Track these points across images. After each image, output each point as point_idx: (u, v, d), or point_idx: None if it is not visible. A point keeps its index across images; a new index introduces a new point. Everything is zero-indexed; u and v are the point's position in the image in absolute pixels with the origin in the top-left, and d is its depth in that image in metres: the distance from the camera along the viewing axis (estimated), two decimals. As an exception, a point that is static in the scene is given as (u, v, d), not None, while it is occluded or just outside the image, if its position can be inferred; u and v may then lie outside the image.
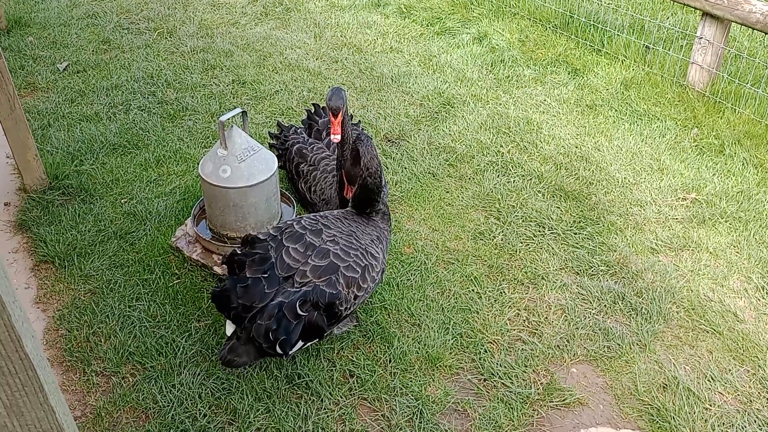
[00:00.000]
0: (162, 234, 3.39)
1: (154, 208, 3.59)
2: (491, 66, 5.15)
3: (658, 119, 4.33)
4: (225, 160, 2.99)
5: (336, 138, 3.01)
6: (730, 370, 2.71)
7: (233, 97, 4.77)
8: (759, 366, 2.73)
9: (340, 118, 2.97)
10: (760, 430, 2.48)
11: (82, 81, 4.95)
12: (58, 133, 4.23)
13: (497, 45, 5.43)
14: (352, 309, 2.52)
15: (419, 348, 2.81)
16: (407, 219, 3.58)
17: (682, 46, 4.85)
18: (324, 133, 3.67)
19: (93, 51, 5.45)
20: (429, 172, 3.96)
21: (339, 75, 5.09)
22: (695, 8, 4.17)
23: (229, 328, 2.47)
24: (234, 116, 2.92)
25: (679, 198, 3.69)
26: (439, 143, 4.21)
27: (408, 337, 2.86)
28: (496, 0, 6.08)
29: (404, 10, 6.25)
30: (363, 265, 2.51)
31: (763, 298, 3.06)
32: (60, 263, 3.22)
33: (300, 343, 2.40)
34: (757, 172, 3.81)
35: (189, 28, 5.93)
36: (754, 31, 4.16)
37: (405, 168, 3.96)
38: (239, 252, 2.48)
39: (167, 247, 3.29)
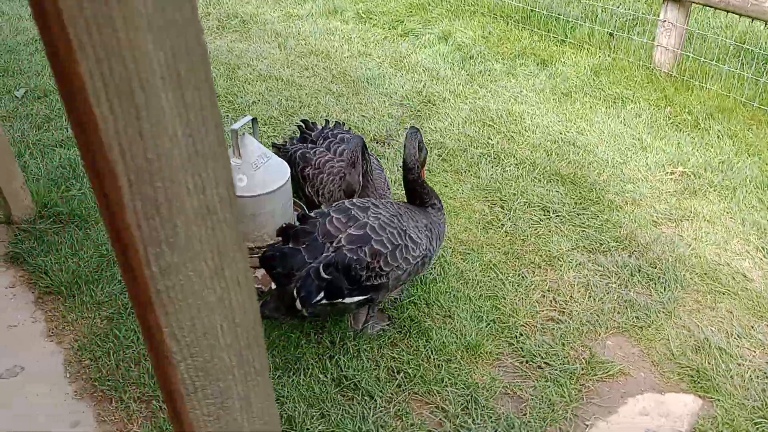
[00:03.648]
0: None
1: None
2: (462, 63, 5.25)
3: (632, 101, 4.53)
4: (239, 168, 2.93)
5: None
6: (752, 327, 2.86)
7: (210, 111, 4.66)
8: (775, 320, 2.89)
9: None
10: (791, 378, 2.63)
11: (46, 106, 4.73)
12: (33, 160, 4.02)
13: (463, 42, 5.54)
14: (378, 283, 2.56)
15: (457, 338, 2.82)
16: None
17: (644, 30, 5.09)
18: (320, 141, 3.65)
19: (50, 75, 5.21)
20: (425, 169, 3.98)
21: (313, 82, 5.06)
22: (658, -7, 4.39)
23: (273, 286, 2.66)
24: (245, 124, 2.86)
25: (667, 173, 3.86)
26: (428, 140, 4.26)
27: (443, 329, 2.87)
28: (453, 0, 6.20)
29: (363, 15, 6.28)
30: (396, 243, 2.57)
31: (765, 257, 3.24)
32: (68, 293, 3.06)
33: (323, 300, 2.50)
34: (732, 143, 4.04)
35: (146, 46, 5.76)
36: (716, 10, 4.40)
37: (400, 167, 3.98)
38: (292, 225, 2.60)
39: (179, 265, 3.18)
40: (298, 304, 2.48)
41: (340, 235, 2.52)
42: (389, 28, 5.99)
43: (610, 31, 5.16)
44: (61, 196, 3.64)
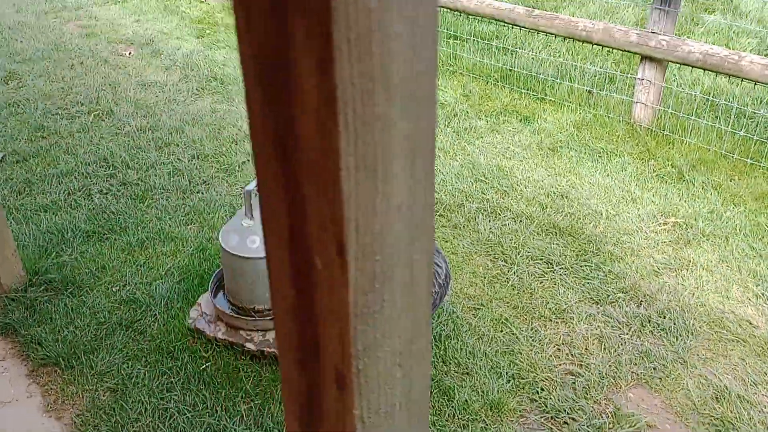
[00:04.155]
0: (173, 318, 3.16)
1: (155, 292, 3.35)
2: (447, 120, 5.36)
3: (616, 155, 4.67)
4: (252, 230, 2.87)
5: None
6: (766, 374, 2.89)
7: (199, 172, 4.61)
8: (787, 365, 2.94)
9: None
10: (813, 423, 2.65)
11: (26, 171, 4.59)
12: (17, 226, 3.87)
13: (445, 101, 5.67)
14: None
15: (479, 396, 2.77)
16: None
17: (620, 86, 5.31)
18: None
19: (27, 139, 5.09)
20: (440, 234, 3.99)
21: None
22: (635, 53, 4.60)
23: None
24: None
25: (660, 223, 3.96)
26: (424, 196, 4.28)
27: (464, 387, 2.81)
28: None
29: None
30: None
31: (766, 303, 3.31)
32: (65, 364, 2.90)
33: None
34: (717, 193, 4.18)
35: (125, 108, 5.72)
36: (693, 68, 4.64)
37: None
38: None
39: (185, 330, 3.06)
40: None
41: None
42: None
43: (588, 88, 5.36)
44: (52, 263, 3.49)
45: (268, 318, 2.96)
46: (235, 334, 2.99)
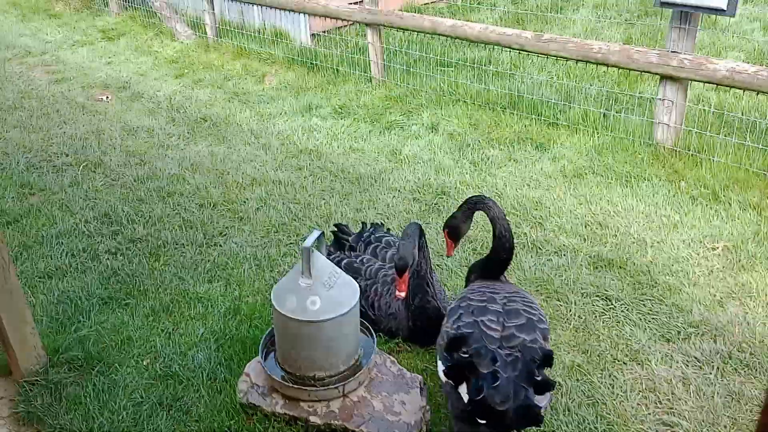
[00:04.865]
0: (219, 392, 2.83)
1: (192, 363, 3.02)
2: (460, 152, 5.18)
3: (644, 178, 4.55)
4: (311, 290, 2.59)
5: (401, 295, 2.77)
6: None
7: (212, 223, 4.30)
8: None
9: (406, 276, 2.74)
10: None
11: (20, 233, 4.20)
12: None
13: (454, 131, 5.50)
14: None
15: (575, 458, 2.53)
16: (472, 318, 3.33)
17: (628, 107, 5.23)
18: (361, 246, 3.37)
19: (15, 198, 4.70)
20: (465, 265, 3.76)
21: (313, 182, 4.81)
22: (656, 74, 4.52)
23: None
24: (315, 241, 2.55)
25: (708, 248, 3.82)
26: (457, 234, 4.05)
27: (557, 449, 2.57)
28: (431, 91, 6.22)
29: (339, 110, 6.17)
30: (540, 314, 2.39)
31: (841, 328, 3.18)
32: (107, 458, 2.54)
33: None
34: (758, 213, 4.08)
35: (116, 157, 5.37)
36: (717, 87, 4.57)
37: (438, 266, 3.74)
38: (460, 358, 2.19)
39: (235, 406, 2.74)
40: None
41: (506, 333, 2.24)
42: (371, 122, 5.89)
43: (603, 111, 5.26)
44: (72, 338, 3.12)
45: (332, 387, 2.67)
46: (296, 407, 2.68)
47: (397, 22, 6.04)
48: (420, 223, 2.96)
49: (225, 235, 4.16)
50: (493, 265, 2.65)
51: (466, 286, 2.80)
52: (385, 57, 6.63)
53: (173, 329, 3.28)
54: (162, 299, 3.50)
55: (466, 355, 2.15)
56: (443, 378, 2.28)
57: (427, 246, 2.97)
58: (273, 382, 2.74)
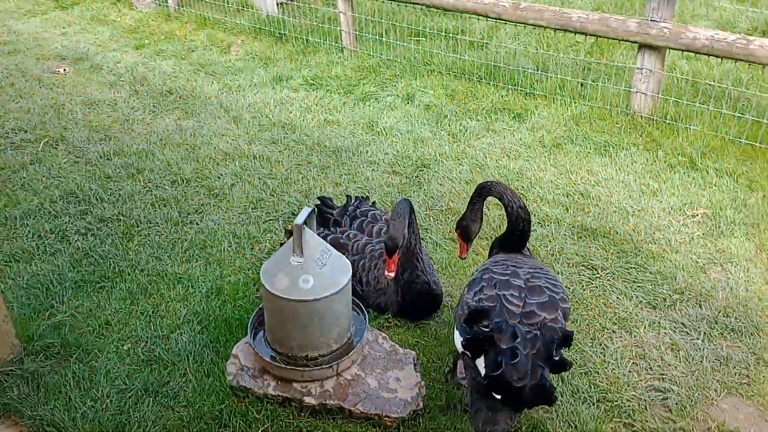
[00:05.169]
0: (208, 375, 2.75)
1: (176, 346, 2.92)
2: (437, 123, 5.10)
3: (622, 147, 4.56)
4: (303, 268, 2.51)
5: (390, 275, 2.73)
6: None
7: (185, 200, 4.15)
8: None
9: (396, 256, 2.70)
10: None
11: (-21, 212, 3.98)
12: (-12, 282, 3.31)
13: (430, 103, 5.41)
14: None
15: (574, 429, 2.53)
16: (456, 288, 3.30)
17: (615, 77, 5.21)
18: (346, 221, 3.28)
19: (-28, 175, 4.45)
20: (449, 238, 3.72)
21: (288, 156, 4.68)
22: (635, 42, 4.49)
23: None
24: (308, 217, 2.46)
25: (687, 215, 3.86)
26: (440, 207, 4.01)
27: (554, 419, 2.57)
28: (405, 61, 6.10)
29: (311, 82, 6.00)
30: (563, 293, 2.34)
31: (819, 291, 3.25)
32: (94, 448, 2.44)
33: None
34: (734, 180, 4.13)
35: (79, 133, 5.12)
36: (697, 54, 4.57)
37: (422, 239, 3.68)
38: (480, 332, 2.14)
39: (225, 389, 2.66)
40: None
41: (527, 309, 2.19)
42: (345, 93, 5.75)
43: (580, 81, 5.24)
44: (46, 324, 2.98)
45: (326, 366, 2.60)
46: (289, 388, 2.61)
47: (370, -10, 5.87)
48: (409, 199, 2.88)
49: (201, 212, 4.02)
50: (512, 239, 2.62)
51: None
52: (356, 26, 6.46)
53: (153, 312, 3.16)
54: (139, 281, 3.37)
55: (488, 329, 2.12)
56: (460, 348, 2.26)
57: (416, 221, 2.91)
58: (264, 363, 2.66)
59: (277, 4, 7.79)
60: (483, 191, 2.69)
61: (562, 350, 2.10)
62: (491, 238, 3.69)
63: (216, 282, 3.35)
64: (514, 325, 2.11)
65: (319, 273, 2.51)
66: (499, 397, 2.06)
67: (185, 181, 4.36)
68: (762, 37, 4.03)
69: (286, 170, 4.49)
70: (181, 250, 3.62)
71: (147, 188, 4.30)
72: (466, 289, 2.40)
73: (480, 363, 2.11)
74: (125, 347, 2.94)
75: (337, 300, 2.55)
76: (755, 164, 4.25)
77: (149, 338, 2.97)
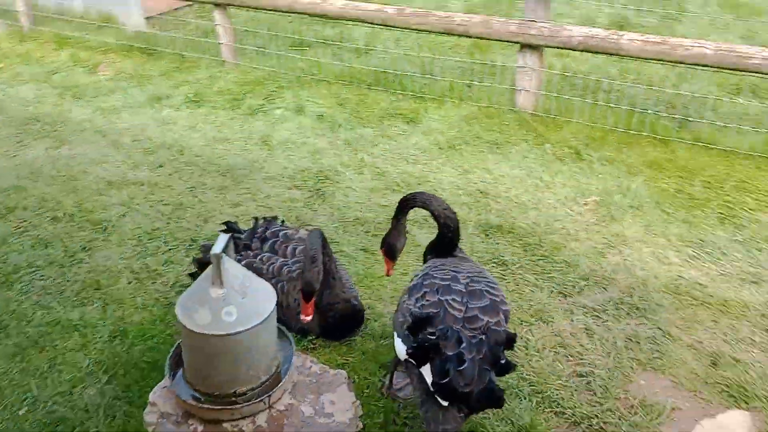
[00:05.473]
0: (124, 430, 2.51)
1: (82, 403, 2.65)
2: (332, 133, 5.04)
3: (513, 144, 4.74)
4: (225, 300, 2.35)
5: (307, 319, 2.71)
6: (737, 329, 3.06)
7: (69, 236, 3.80)
8: (749, 319, 3.14)
9: (313, 300, 2.69)
10: None
11: None
12: None
13: (322, 113, 5.34)
14: None
15: (510, 425, 2.58)
16: (376, 300, 3.27)
17: (497, 76, 5.40)
18: (256, 244, 3.14)
19: None
20: (361, 249, 3.68)
21: (179, 179, 4.43)
22: (516, 42, 4.69)
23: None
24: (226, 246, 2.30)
25: (580, 205, 4.07)
26: (347, 218, 3.95)
27: (490, 418, 2.60)
28: (290, 72, 5.99)
29: (193, 99, 5.74)
30: (502, 296, 2.38)
31: (702, 262, 3.53)
32: None
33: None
34: (615, 167, 4.42)
35: (-70, 171, 4.56)
36: (573, 51, 4.82)
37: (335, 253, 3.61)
38: (425, 339, 2.12)
39: (147, 442, 2.44)
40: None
41: (470, 315, 2.18)
42: (231, 109, 5.54)
43: (468, 82, 5.39)
44: None
45: (256, 401, 2.46)
46: (218, 430, 2.44)
47: (249, 2, 5.71)
48: (320, 229, 2.82)
49: (89, 249, 3.69)
50: (443, 244, 2.63)
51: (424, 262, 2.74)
52: (236, 38, 6.26)
53: (49, 367, 2.85)
54: (27, 333, 3.03)
55: (434, 336, 2.09)
56: (403, 356, 2.23)
57: (328, 245, 2.84)
58: (187, 406, 2.47)
59: (145, 18, 7.39)
60: (406, 205, 2.68)
61: (506, 353, 2.12)
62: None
63: (118, 324, 3.08)
64: (458, 330, 2.11)
65: (242, 303, 2.37)
66: (445, 403, 2.05)
67: (67, 217, 4.00)
68: (627, 32, 4.35)
69: (179, 195, 4.24)
70: (72, 294, 3.31)
71: (22, 228, 3.90)
72: (407, 296, 2.37)
73: (425, 370, 2.09)
74: (21, 412, 2.62)
75: (264, 330, 2.41)
76: (632, 150, 4.58)
77: (49, 397, 2.67)
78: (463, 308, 2.19)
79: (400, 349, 2.28)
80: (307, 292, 2.66)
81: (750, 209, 3.96)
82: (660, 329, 3.07)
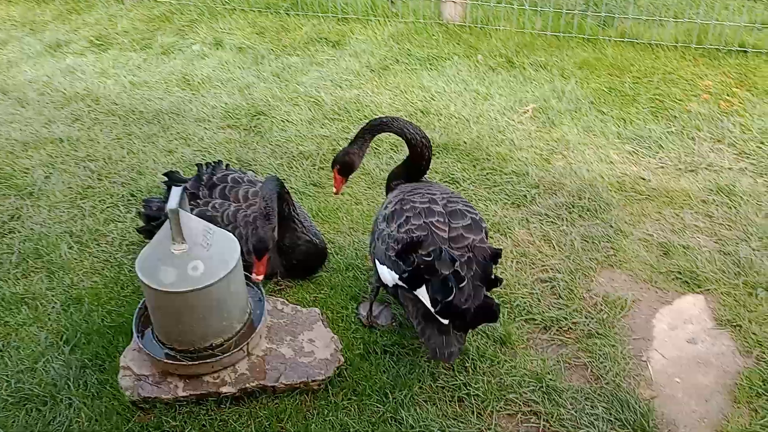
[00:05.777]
0: (99, 397, 2.42)
1: (47, 377, 2.51)
2: (258, 66, 4.79)
3: (445, 58, 4.67)
4: (190, 255, 2.25)
5: (259, 278, 2.59)
6: (680, 211, 3.23)
7: (-8, 206, 3.50)
8: (692, 207, 3.31)
9: (265, 258, 2.56)
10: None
11: None
12: None
13: (242, 44, 5.05)
14: None
15: (486, 338, 2.65)
16: (335, 233, 3.23)
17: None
18: (204, 192, 2.99)
19: None
20: (311, 183, 3.59)
21: (102, 131, 4.13)
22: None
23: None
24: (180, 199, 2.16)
25: (520, 114, 4.10)
26: (289, 152, 3.83)
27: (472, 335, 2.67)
28: (199, 3, 5.59)
29: (97, 42, 5.30)
30: (479, 214, 2.41)
31: (640, 158, 3.67)
32: None
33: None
34: (548, 71, 4.45)
35: None
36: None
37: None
38: (421, 261, 2.12)
39: (126, 407, 2.37)
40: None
41: (454, 234, 2.21)
42: (142, 49, 5.16)
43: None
44: None
45: (234, 350, 2.42)
46: (201, 384, 2.40)
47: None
48: (276, 176, 2.69)
49: (19, 217, 3.43)
50: (417, 168, 2.61)
51: (387, 192, 2.69)
52: (133, -29, 5.75)
53: (3, 345, 2.67)
54: (-29, 314, 2.82)
55: (429, 258, 2.08)
56: (391, 282, 2.24)
57: (285, 189, 2.73)
58: (165, 366, 2.40)
59: (26, -44, 6.63)
60: (377, 127, 2.60)
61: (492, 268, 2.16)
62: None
63: (69, 292, 2.91)
64: (446, 249, 2.12)
65: (208, 256, 2.27)
66: (446, 321, 2.08)
67: (-16, 183, 3.67)
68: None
69: (105, 148, 3.97)
70: (12, 266, 3.08)
71: (-64, 203, 3.55)
72: (384, 224, 2.35)
73: (421, 293, 2.11)
74: (-16, 394, 2.47)
75: (233, 279, 2.34)
76: (562, 53, 4.61)
77: (10, 376, 2.52)
78: (447, 228, 2.20)
79: (388, 276, 2.28)
80: (259, 249, 2.53)
81: (679, 100, 4.11)
82: (612, 227, 3.20)
